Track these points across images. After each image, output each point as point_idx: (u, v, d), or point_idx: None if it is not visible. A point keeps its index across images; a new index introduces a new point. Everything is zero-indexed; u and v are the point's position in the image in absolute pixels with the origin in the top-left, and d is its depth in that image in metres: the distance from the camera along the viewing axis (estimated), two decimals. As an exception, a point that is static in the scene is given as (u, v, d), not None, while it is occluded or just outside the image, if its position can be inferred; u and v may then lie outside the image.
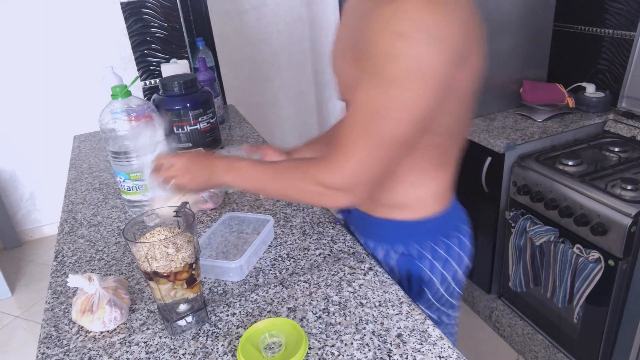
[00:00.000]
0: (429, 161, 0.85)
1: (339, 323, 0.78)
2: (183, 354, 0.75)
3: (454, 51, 0.67)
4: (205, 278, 0.93)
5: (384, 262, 0.95)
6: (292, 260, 0.96)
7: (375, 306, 0.81)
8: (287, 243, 1.02)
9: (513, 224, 1.62)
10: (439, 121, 0.76)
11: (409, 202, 0.89)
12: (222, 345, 0.76)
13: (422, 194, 0.88)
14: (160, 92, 1.39)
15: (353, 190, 0.75)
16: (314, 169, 0.76)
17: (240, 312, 0.83)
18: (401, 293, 0.84)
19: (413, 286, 0.94)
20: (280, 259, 0.97)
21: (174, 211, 0.77)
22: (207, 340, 0.78)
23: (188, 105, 1.38)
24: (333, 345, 0.74)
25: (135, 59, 1.83)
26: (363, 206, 0.96)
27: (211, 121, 1.43)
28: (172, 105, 1.38)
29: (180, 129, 1.39)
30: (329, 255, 0.96)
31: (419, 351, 0.72)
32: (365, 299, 0.83)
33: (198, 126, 1.41)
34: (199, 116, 1.39)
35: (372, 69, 0.68)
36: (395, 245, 0.93)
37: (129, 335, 0.81)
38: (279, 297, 0.86)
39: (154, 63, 1.85)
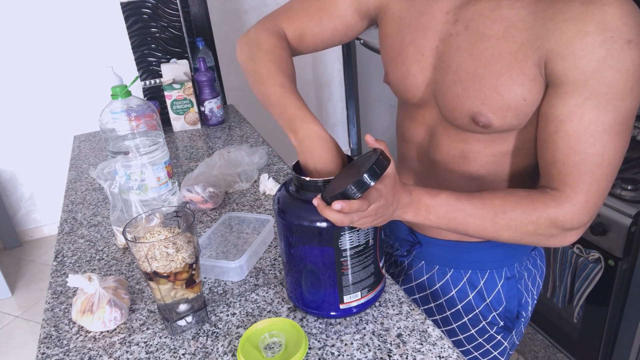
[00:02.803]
0: (533, 173, 0.78)
1: (339, 323, 0.78)
2: (183, 354, 0.75)
3: None
4: (205, 278, 0.93)
5: (483, 292, 0.87)
6: (292, 260, 0.96)
7: (375, 306, 0.81)
8: (287, 243, 1.02)
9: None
10: None
11: None
12: (222, 345, 0.76)
13: None
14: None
15: (587, 224, 0.68)
16: (551, 211, 0.66)
17: (240, 312, 0.83)
18: (401, 293, 0.84)
19: (513, 311, 0.90)
20: (280, 259, 0.97)
21: (174, 211, 0.78)
22: (207, 340, 0.78)
23: None
24: (333, 345, 0.74)
25: (135, 59, 1.83)
26: (453, 234, 0.86)
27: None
28: None
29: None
30: (329, 255, 0.96)
31: (419, 351, 0.72)
32: (365, 299, 0.83)
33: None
34: None
35: (594, 87, 0.60)
36: (500, 270, 0.87)
37: (129, 335, 0.81)
38: (279, 297, 0.85)
39: (154, 63, 1.85)
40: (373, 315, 0.79)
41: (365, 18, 0.87)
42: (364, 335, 0.75)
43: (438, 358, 0.70)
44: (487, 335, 0.90)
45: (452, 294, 0.90)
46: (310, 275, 0.76)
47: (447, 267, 0.89)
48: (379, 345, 0.73)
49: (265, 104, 0.78)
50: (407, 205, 0.68)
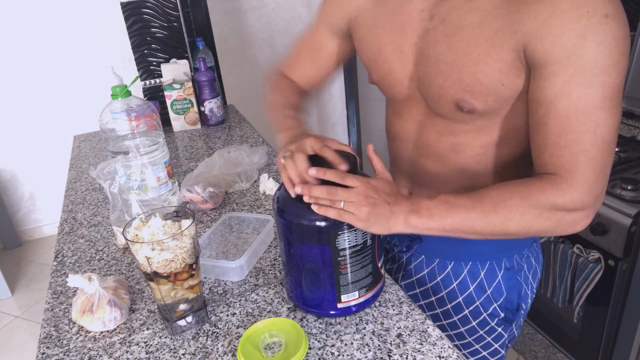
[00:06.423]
0: (520, 163, 0.79)
1: (339, 323, 0.78)
2: (183, 354, 0.75)
3: None
4: (205, 278, 0.93)
5: (484, 283, 0.88)
6: (292, 260, 0.96)
7: (375, 306, 0.81)
8: (287, 243, 1.02)
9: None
10: None
11: None
12: (222, 345, 0.76)
13: None
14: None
15: (595, 205, 0.67)
16: (548, 193, 0.65)
17: (240, 312, 0.83)
18: (401, 293, 0.84)
19: (514, 302, 0.90)
20: (280, 258, 0.97)
21: (174, 211, 0.78)
22: (207, 340, 0.78)
23: None
24: (333, 345, 0.74)
25: (135, 59, 1.83)
26: None
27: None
28: None
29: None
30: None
31: (419, 351, 0.72)
32: (365, 299, 0.83)
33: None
34: None
35: (577, 64, 0.60)
36: (499, 260, 0.87)
37: (129, 335, 0.81)
38: (279, 297, 0.85)
39: (154, 63, 1.85)
40: (373, 315, 0.79)
41: (343, 37, 0.92)
42: (364, 335, 0.75)
43: (438, 358, 0.70)
44: (488, 327, 0.91)
45: (452, 286, 0.90)
46: (310, 274, 0.76)
47: (447, 260, 0.90)
48: (379, 345, 0.73)
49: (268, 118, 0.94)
50: (408, 210, 0.68)
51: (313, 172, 0.67)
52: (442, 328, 0.93)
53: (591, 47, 0.59)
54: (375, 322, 0.78)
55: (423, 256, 0.93)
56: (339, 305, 0.77)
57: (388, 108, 0.92)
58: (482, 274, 0.88)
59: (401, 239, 0.97)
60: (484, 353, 0.93)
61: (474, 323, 0.91)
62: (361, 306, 0.79)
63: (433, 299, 0.93)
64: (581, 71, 0.61)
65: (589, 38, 0.59)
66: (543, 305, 1.65)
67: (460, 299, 0.90)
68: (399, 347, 0.73)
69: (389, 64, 0.80)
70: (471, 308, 0.90)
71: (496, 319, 0.90)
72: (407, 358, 0.71)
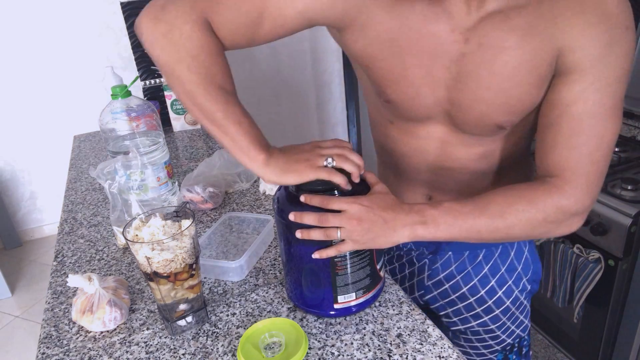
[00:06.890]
0: (527, 150, 0.86)
1: (339, 323, 0.78)
2: (183, 354, 0.75)
3: None
4: (205, 278, 0.93)
5: (514, 262, 0.91)
6: (292, 260, 0.96)
7: (375, 306, 0.81)
8: (287, 243, 1.02)
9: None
10: None
11: None
12: (222, 345, 0.76)
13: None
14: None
15: (591, 206, 0.70)
16: (554, 196, 0.68)
17: (240, 312, 0.83)
18: (401, 293, 0.84)
19: (538, 274, 0.95)
20: (280, 258, 0.97)
21: (174, 211, 0.78)
22: (207, 340, 0.78)
23: None
24: (333, 345, 0.74)
25: (135, 59, 1.83)
26: None
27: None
28: None
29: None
30: (329, 255, 0.96)
31: (419, 351, 0.72)
32: (365, 299, 0.83)
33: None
34: None
35: (599, 72, 0.64)
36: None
37: (129, 335, 0.81)
38: (279, 297, 0.86)
39: (154, 63, 1.85)
40: (373, 315, 0.79)
41: (310, 24, 0.75)
42: (364, 335, 0.75)
43: (438, 358, 0.70)
44: (518, 303, 0.94)
45: (484, 271, 0.91)
46: (309, 274, 0.76)
47: (478, 250, 0.91)
48: (379, 345, 0.73)
49: (201, 118, 0.72)
50: (412, 222, 0.69)
51: (301, 198, 0.70)
52: (477, 316, 0.94)
53: (613, 57, 0.63)
54: (375, 322, 0.78)
55: (450, 252, 0.93)
56: (336, 306, 0.77)
57: (389, 125, 0.85)
58: (512, 253, 0.91)
59: (420, 244, 0.95)
60: (510, 325, 0.96)
61: (507, 302, 0.92)
62: (361, 306, 0.79)
63: (465, 289, 0.93)
64: (599, 78, 0.64)
65: (613, 48, 0.63)
66: (543, 305, 1.65)
67: (493, 282, 0.91)
68: (399, 347, 0.73)
69: (415, 88, 0.74)
70: (503, 289, 0.92)
71: (524, 293, 0.94)
72: (407, 358, 0.71)
